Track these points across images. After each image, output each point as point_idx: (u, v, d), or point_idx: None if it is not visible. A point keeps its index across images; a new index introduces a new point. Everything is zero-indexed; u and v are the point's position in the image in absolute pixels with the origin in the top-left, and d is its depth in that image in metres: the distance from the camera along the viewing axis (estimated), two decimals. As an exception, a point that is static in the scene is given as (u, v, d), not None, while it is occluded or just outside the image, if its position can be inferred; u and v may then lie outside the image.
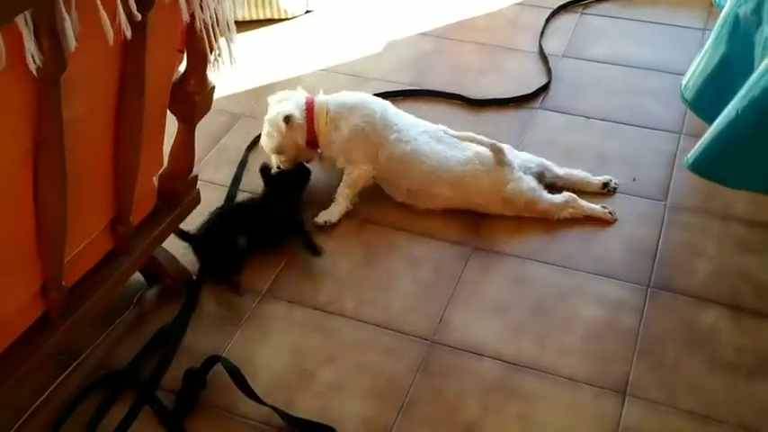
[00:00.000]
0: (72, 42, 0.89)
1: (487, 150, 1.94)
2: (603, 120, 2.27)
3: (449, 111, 2.33)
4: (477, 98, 2.35)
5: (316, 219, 1.97)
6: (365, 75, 2.51)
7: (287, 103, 2.00)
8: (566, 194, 1.93)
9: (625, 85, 2.41)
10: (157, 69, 1.21)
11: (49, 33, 0.87)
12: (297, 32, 2.76)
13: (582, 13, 2.77)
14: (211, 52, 1.24)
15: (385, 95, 2.33)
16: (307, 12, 2.85)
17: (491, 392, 1.60)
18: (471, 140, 1.95)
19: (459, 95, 2.36)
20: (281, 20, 2.80)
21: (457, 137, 1.97)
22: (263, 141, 2.04)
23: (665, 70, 2.44)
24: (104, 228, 1.39)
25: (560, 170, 2.02)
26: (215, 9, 1.14)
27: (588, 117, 2.29)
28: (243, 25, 2.76)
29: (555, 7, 2.76)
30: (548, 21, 2.70)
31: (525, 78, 2.45)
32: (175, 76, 1.37)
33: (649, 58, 2.50)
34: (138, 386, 1.62)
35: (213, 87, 1.42)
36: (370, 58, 2.59)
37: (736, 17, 1.38)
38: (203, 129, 2.26)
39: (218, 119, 2.34)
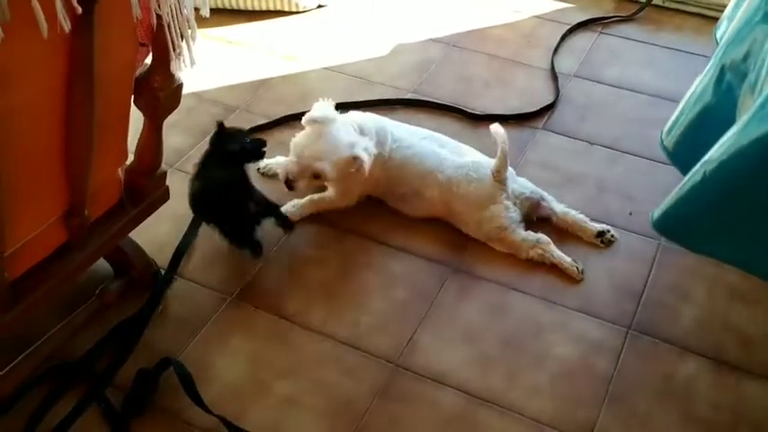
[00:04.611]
0: (-4, 32, 0.83)
1: (486, 162, 1.87)
2: (607, 147, 2.19)
3: (448, 123, 2.25)
4: (476, 112, 2.27)
5: (283, 207, 1.92)
6: (369, 78, 2.44)
7: (363, 141, 1.81)
8: (540, 235, 1.83)
9: (634, 112, 2.32)
10: (113, 62, 1.16)
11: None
12: (306, 27, 2.69)
13: (601, 33, 2.67)
14: (174, 50, 1.18)
15: (383, 104, 2.28)
16: (319, 6, 2.78)
17: (449, 426, 1.53)
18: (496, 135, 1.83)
19: (458, 109, 2.29)
20: (291, 12, 2.73)
21: (497, 131, 1.83)
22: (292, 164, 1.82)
23: (678, 100, 2.32)
24: (56, 220, 1.34)
25: (558, 206, 1.92)
26: (173, 6, 1.08)
27: (592, 143, 2.20)
28: (252, 15, 2.71)
29: (573, 23, 2.67)
30: (564, 37, 2.61)
31: (532, 95, 2.37)
32: (140, 70, 1.31)
33: (664, 86, 2.41)
34: (88, 380, 1.58)
35: (180, 84, 1.36)
36: (375, 61, 2.52)
37: (722, 68, 1.29)
38: (193, 120, 2.25)
39: (212, 110, 2.29)
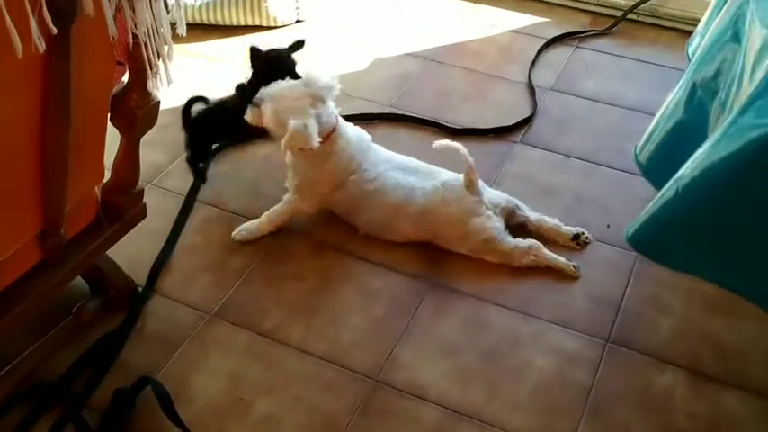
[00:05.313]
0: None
1: (457, 180, 1.87)
2: (584, 159, 2.21)
3: (426, 137, 2.26)
4: (454, 126, 2.29)
5: (234, 233, 1.93)
6: (348, 92, 2.40)
7: (311, 124, 1.76)
8: (531, 241, 1.85)
9: (610, 125, 2.34)
10: (89, 81, 1.16)
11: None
12: (284, 42, 2.68)
13: (577, 47, 2.70)
14: (151, 69, 1.18)
15: (362, 118, 2.29)
16: (297, 21, 2.79)
17: (429, 441, 1.53)
18: (450, 150, 1.83)
19: (436, 123, 2.30)
20: (269, 27, 2.74)
21: (441, 145, 1.84)
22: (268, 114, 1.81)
23: (653, 113, 2.35)
24: (32, 239, 1.33)
25: (532, 214, 1.94)
26: (150, 25, 1.08)
27: (568, 155, 2.22)
28: (229, 30, 2.72)
29: (550, 38, 2.70)
30: (540, 51, 2.64)
31: (509, 109, 2.39)
32: (117, 89, 1.31)
33: (639, 99, 2.44)
34: (65, 401, 1.57)
35: (157, 103, 1.35)
36: (354, 75, 2.53)
37: (694, 85, 1.31)
38: (171, 136, 2.24)
39: (190, 126, 2.28)
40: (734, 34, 1.26)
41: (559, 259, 1.83)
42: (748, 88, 1.09)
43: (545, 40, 2.68)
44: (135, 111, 1.32)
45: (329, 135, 1.84)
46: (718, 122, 1.16)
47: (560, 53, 2.66)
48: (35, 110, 1.12)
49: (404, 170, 1.93)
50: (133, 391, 1.56)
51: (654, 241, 1.28)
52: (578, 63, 2.62)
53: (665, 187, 1.21)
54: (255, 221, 1.94)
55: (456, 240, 1.87)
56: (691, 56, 1.59)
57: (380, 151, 1.97)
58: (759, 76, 1.08)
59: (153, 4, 1.08)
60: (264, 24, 2.73)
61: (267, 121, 1.82)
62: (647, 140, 1.44)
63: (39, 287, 1.40)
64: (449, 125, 2.29)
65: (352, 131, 1.93)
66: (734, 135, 1.09)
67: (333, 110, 1.86)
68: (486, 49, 2.68)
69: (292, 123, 1.74)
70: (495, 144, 2.26)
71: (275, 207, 1.94)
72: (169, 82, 1.21)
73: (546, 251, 1.84)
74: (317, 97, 1.81)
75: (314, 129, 1.76)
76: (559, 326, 1.75)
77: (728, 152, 1.10)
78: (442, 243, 1.89)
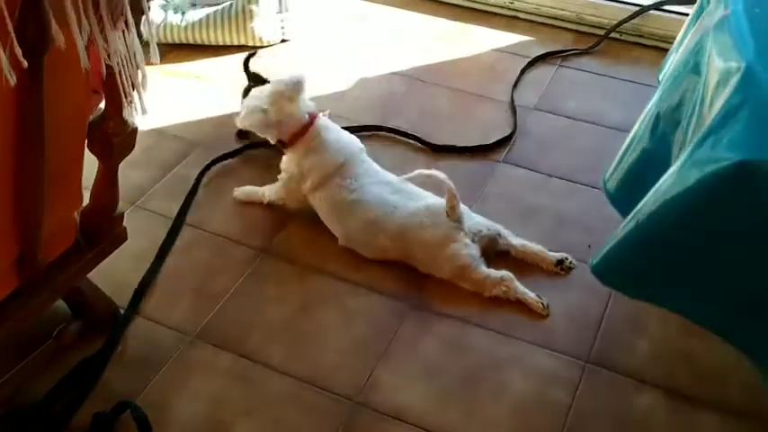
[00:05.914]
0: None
1: (440, 205, 1.88)
2: (565, 179, 2.22)
3: (408, 154, 2.28)
4: (436, 143, 2.30)
5: (235, 192, 2.12)
6: (332, 112, 2.42)
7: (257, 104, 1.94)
8: (503, 272, 1.85)
9: (592, 144, 2.36)
10: (64, 111, 1.17)
11: None
12: (270, 61, 2.71)
13: (560, 66, 2.72)
14: (125, 98, 1.19)
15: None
16: (282, 41, 2.81)
17: (408, 463, 1.53)
18: (430, 178, 1.89)
19: (418, 137, 2.31)
20: (255, 47, 2.75)
21: (416, 176, 1.92)
22: (248, 106, 1.97)
23: (635, 132, 2.38)
24: (8, 266, 1.33)
25: (515, 239, 1.94)
26: (123, 56, 1.10)
27: (550, 175, 2.23)
28: (215, 49, 2.73)
29: (533, 57, 2.72)
30: (523, 71, 2.66)
31: (493, 128, 2.40)
32: (94, 116, 1.32)
33: (621, 118, 2.45)
34: (45, 424, 1.57)
35: (135, 129, 1.36)
36: (338, 94, 2.55)
37: (657, 115, 1.33)
38: (154, 156, 2.26)
39: (172, 146, 2.30)
40: (695, 65, 1.27)
41: (529, 294, 1.82)
42: (707, 121, 1.11)
43: (529, 59, 2.70)
44: (112, 138, 1.33)
45: (308, 128, 1.94)
46: (680, 154, 1.17)
47: (543, 72, 2.68)
48: (8, 139, 1.12)
49: (389, 187, 1.95)
50: (112, 415, 1.56)
51: (614, 272, 1.28)
52: (561, 82, 2.64)
53: (627, 219, 1.23)
54: (257, 189, 2.09)
55: (431, 264, 1.88)
56: (660, 82, 1.61)
57: (370, 165, 1.99)
58: (716, 109, 1.09)
59: (126, 34, 1.09)
60: (250, 44, 2.74)
61: (242, 120, 1.98)
62: (615, 168, 1.45)
63: (18, 311, 1.40)
64: (430, 141, 2.30)
65: (341, 134, 2.00)
66: (690, 169, 1.10)
67: (308, 104, 1.98)
68: (471, 69, 2.70)
69: (245, 101, 1.96)
70: (478, 163, 2.27)
71: (273, 186, 2.06)
72: (143, 111, 1.22)
73: (517, 284, 1.83)
74: (286, 96, 1.93)
75: (269, 112, 1.92)
76: (539, 346, 1.75)
77: (684, 187, 1.11)
78: (418, 266, 1.90)
